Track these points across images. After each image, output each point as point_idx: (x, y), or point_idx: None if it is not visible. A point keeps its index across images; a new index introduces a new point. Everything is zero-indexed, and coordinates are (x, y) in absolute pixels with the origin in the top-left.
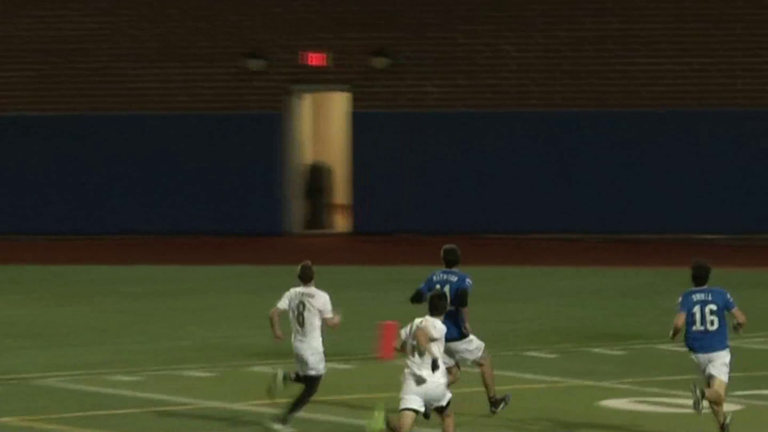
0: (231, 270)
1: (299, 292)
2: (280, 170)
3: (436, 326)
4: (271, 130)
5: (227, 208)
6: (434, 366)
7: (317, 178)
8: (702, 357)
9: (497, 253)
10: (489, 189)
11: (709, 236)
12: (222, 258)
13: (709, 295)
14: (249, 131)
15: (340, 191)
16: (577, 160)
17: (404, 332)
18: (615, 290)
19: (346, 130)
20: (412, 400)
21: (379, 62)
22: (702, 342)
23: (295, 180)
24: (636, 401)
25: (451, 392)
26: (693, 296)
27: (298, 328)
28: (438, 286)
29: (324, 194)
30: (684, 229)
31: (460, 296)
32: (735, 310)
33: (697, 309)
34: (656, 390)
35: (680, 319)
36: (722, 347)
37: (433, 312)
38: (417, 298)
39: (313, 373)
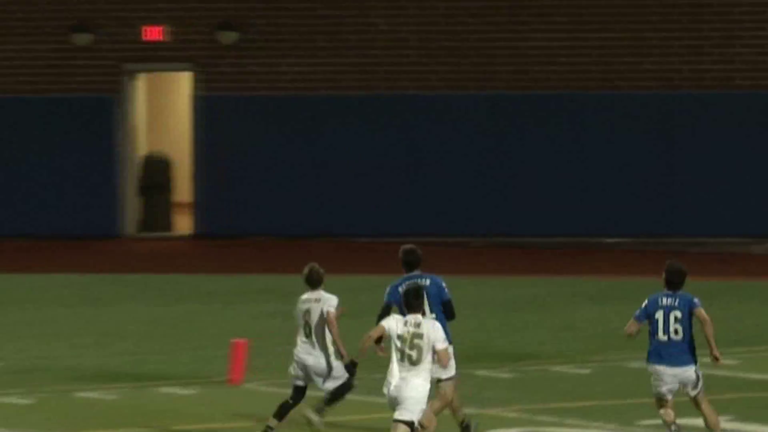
0: (53, 279)
1: (306, 299)
2: (112, 163)
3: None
4: (101, 116)
5: (51, 207)
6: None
7: (154, 172)
8: (662, 370)
9: (363, 259)
10: (355, 184)
11: (610, 240)
12: (43, 265)
13: (676, 300)
14: (75, 117)
15: (182, 187)
16: (455, 151)
17: (389, 327)
18: (499, 303)
19: (189, 115)
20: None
21: (227, 37)
22: (664, 352)
23: (128, 174)
24: None
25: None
26: (660, 300)
27: (305, 339)
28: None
29: (162, 191)
30: (581, 232)
31: (449, 308)
32: (698, 310)
33: (660, 315)
34: (550, 419)
35: (632, 326)
36: (688, 361)
37: (410, 311)
38: (385, 314)
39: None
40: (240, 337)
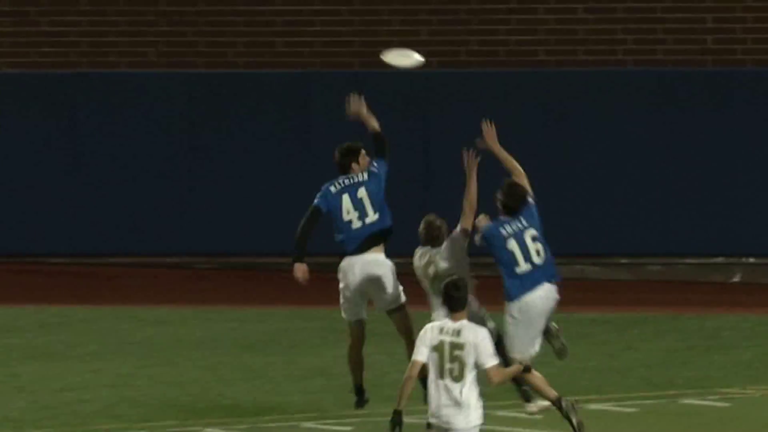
0: None
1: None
2: None
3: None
4: None
5: None
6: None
7: None
8: (537, 296)
9: (51, 285)
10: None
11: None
12: None
13: (522, 220)
14: None
15: None
16: (180, 150)
17: (425, 344)
18: (231, 341)
19: None
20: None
21: None
22: (528, 281)
23: None
24: None
25: None
26: (502, 229)
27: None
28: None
29: None
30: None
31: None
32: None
33: (513, 244)
34: None
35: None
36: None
37: (450, 311)
38: (313, 220)
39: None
40: None
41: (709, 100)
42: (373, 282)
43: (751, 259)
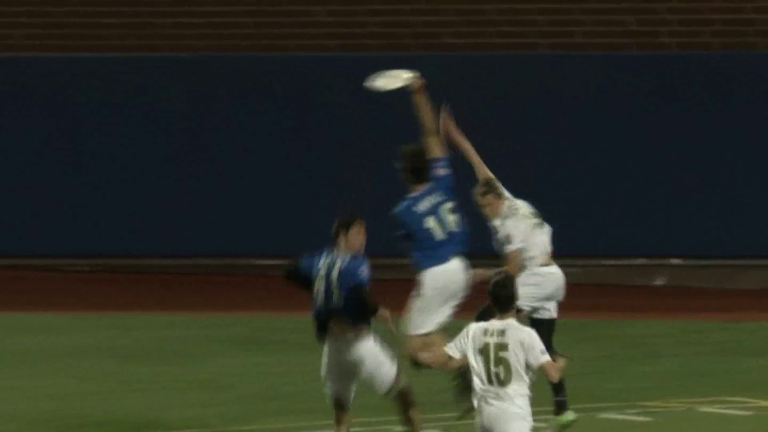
0: None
1: None
2: None
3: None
4: None
5: None
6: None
7: None
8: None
9: None
10: None
11: (263, 262)
12: None
13: (436, 193)
14: None
15: None
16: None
17: (462, 345)
18: (111, 351)
19: None
20: None
21: None
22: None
23: None
24: None
25: None
26: (416, 207)
27: None
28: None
29: None
30: (233, 252)
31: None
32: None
33: (430, 219)
34: None
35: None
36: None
37: (498, 310)
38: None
39: None
40: None
41: (637, 91)
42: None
43: (676, 261)
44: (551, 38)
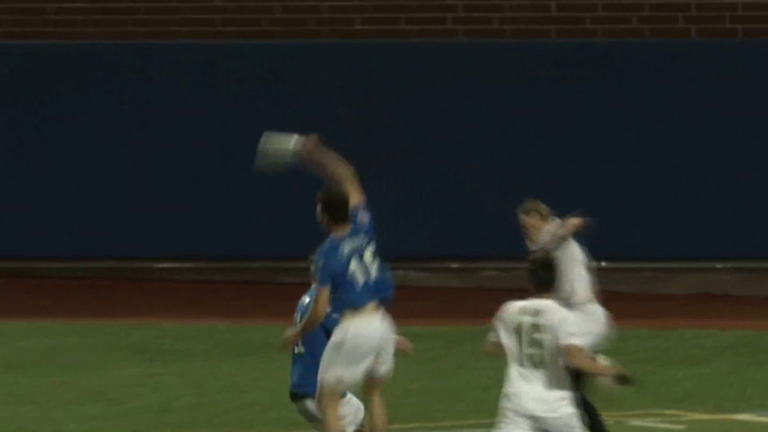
0: None
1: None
2: None
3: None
4: None
5: None
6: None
7: None
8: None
9: None
10: None
11: (165, 265)
12: None
13: (359, 236)
14: None
15: None
16: None
17: (500, 326)
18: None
19: None
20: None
21: None
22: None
23: None
24: None
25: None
26: (340, 251)
27: None
28: None
29: None
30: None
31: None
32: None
33: (354, 265)
34: None
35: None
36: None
37: (536, 291)
38: None
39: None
40: None
41: (558, 80)
42: None
43: (604, 263)
44: (468, 24)
